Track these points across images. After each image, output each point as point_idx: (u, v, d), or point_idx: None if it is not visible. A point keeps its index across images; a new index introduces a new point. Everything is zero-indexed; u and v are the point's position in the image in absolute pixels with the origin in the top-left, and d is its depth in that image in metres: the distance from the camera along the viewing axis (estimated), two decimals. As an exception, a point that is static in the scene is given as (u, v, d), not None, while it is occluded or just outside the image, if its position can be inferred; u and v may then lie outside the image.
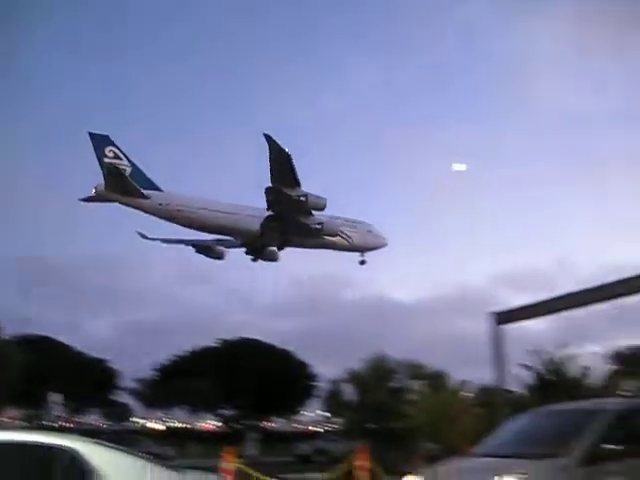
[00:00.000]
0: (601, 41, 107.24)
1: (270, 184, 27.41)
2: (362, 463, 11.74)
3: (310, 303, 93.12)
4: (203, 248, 34.76)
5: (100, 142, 29.01)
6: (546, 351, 35.10)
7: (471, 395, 36.97)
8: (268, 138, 25.05)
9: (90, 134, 29.13)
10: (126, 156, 29.23)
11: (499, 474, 8.27)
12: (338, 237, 35.25)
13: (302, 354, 65.65)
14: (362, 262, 38.71)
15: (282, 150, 25.07)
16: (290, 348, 65.85)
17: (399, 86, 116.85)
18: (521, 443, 9.87)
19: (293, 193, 27.59)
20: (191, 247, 34.64)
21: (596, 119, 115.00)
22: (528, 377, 34.94)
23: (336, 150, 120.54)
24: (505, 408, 19.26)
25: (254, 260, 37.82)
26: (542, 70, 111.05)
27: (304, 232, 32.14)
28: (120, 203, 28.88)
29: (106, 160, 28.27)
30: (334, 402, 51.37)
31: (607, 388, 33.63)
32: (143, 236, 34.37)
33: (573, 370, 33.98)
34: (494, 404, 20.89)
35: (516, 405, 25.11)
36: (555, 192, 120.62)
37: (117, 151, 29.03)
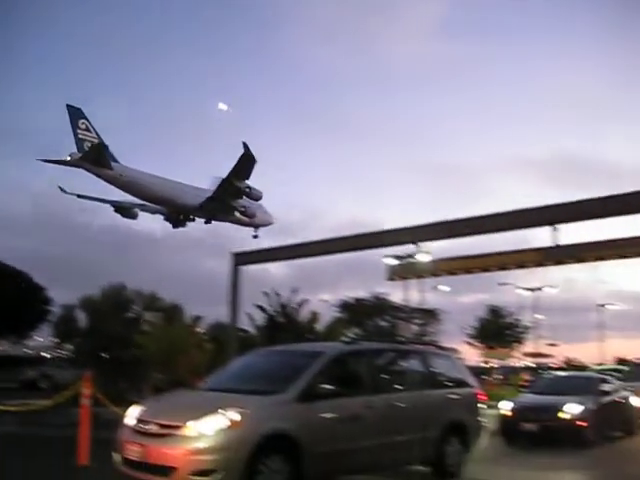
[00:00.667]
0: None
1: (226, 175, 31.79)
2: (86, 391, 11.43)
3: (51, 225, 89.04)
4: (120, 208, 37.16)
5: (74, 114, 31.38)
6: (280, 294, 36.61)
7: (204, 330, 37.61)
8: (245, 145, 28.14)
9: (67, 106, 31.34)
10: (95, 129, 31.80)
11: (221, 408, 8.42)
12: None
13: (38, 277, 62.26)
14: (255, 236, 44.85)
15: (252, 157, 28.20)
16: (25, 269, 62.05)
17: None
18: (246, 380, 10.16)
19: (241, 185, 31.29)
20: (108, 205, 37.07)
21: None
22: (261, 318, 36.27)
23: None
24: (236, 346, 19.78)
25: (174, 227, 42.30)
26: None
27: (231, 212, 36.95)
28: (85, 170, 30.94)
29: (79, 132, 30.92)
30: (66, 328, 49.58)
31: (332, 333, 35.95)
32: (62, 190, 34.60)
33: (303, 315, 35.78)
34: (225, 341, 21.34)
35: (246, 344, 25.96)
36: (299, 142, 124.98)
37: (88, 124, 31.63)
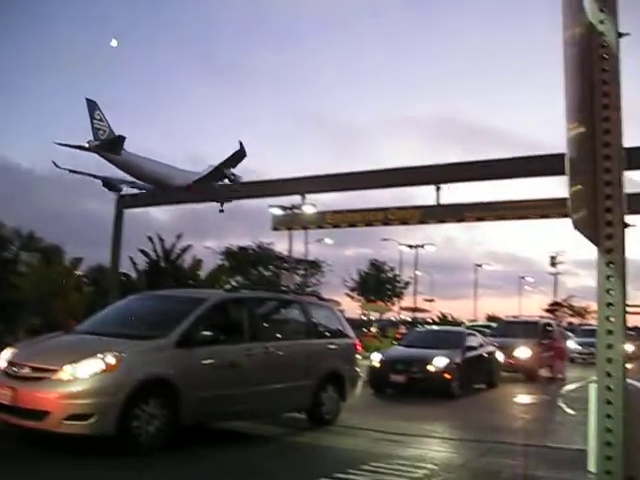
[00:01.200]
0: None
1: (218, 164, 32.47)
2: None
3: None
4: (108, 184, 37.54)
5: (91, 106, 33.19)
6: (164, 240, 36.10)
7: (84, 273, 36.61)
8: (240, 144, 29.43)
9: (86, 99, 32.66)
10: (106, 120, 33.74)
11: (98, 351, 8.26)
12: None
13: None
14: (221, 211, 45.99)
15: (244, 153, 29.49)
16: None
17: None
18: (125, 324, 9.99)
19: (227, 173, 32.22)
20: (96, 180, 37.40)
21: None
22: (143, 262, 35.67)
23: None
24: (116, 289, 19.39)
25: None
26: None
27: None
28: (100, 155, 32.80)
29: (94, 122, 32.86)
30: None
31: (214, 281, 35.87)
32: (56, 165, 35.90)
33: (186, 261, 35.47)
34: (106, 284, 20.85)
35: (127, 288, 25.51)
36: (189, 89, 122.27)
37: (101, 115, 33.76)
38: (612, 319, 1.63)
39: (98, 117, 36.41)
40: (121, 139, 32.53)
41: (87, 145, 33.89)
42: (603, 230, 1.66)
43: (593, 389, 1.69)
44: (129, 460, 7.89)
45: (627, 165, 1.81)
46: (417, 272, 65.85)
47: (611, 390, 1.62)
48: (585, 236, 1.72)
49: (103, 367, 8.09)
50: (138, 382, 8.25)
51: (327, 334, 12.07)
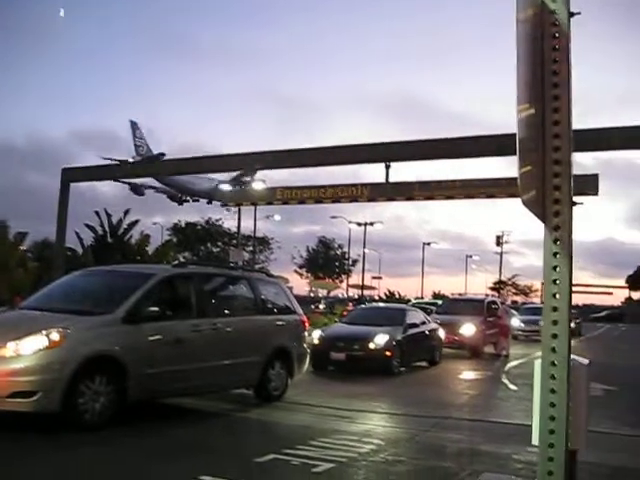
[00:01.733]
0: None
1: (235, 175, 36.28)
2: None
3: None
4: (134, 188, 44.85)
5: (133, 127, 42.59)
6: (111, 215, 35.57)
7: (29, 248, 35.86)
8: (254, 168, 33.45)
9: (130, 121, 42.19)
10: (144, 138, 43.28)
11: (43, 328, 8.12)
12: None
13: None
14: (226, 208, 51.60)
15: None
16: None
17: None
18: (70, 300, 9.84)
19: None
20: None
21: None
22: (90, 237, 35.10)
23: None
24: (62, 265, 19.02)
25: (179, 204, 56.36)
26: None
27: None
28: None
29: (136, 139, 41.31)
30: None
31: (161, 256, 35.52)
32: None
33: (134, 236, 35.02)
34: (51, 260, 20.44)
35: (73, 263, 25.08)
36: (144, 63, 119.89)
37: (141, 133, 42.41)
38: (558, 296, 1.65)
39: (139, 136, 45.98)
40: (160, 156, 35.23)
41: (131, 160, 39.71)
42: (551, 207, 1.68)
43: (538, 364, 1.72)
44: (76, 437, 7.80)
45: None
46: (365, 250, 66.30)
47: (555, 365, 1.64)
48: (535, 215, 1.73)
49: (47, 344, 7.96)
50: (83, 359, 8.14)
51: (275, 310, 12.08)
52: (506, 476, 1.51)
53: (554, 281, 1.66)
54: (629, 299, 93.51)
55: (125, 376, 8.57)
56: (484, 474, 1.46)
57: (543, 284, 1.71)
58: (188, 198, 55.02)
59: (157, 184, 48.69)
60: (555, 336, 1.65)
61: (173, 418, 9.60)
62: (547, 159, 1.68)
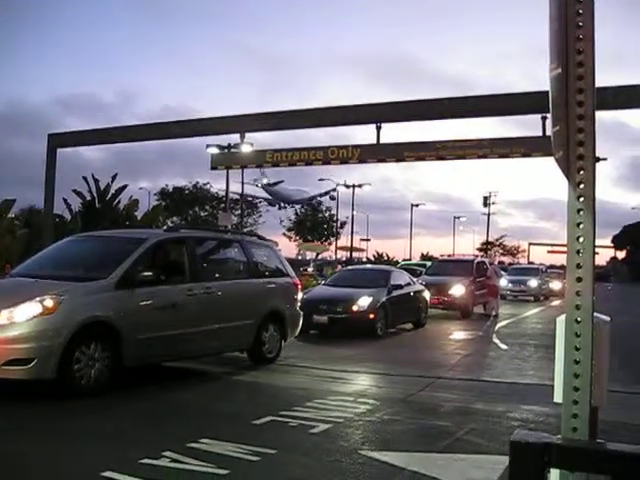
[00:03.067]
0: None
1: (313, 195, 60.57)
2: None
3: None
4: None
5: None
6: (98, 180, 35.29)
7: (16, 215, 35.64)
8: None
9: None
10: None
11: (36, 295, 8.08)
12: None
13: None
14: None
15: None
16: None
17: None
18: (63, 266, 9.80)
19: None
20: None
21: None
22: (78, 203, 34.88)
23: None
24: (51, 232, 18.90)
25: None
26: None
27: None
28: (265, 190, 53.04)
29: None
30: None
31: (151, 221, 35.37)
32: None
33: (123, 201, 34.82)
34: (40, 227, 20.30)
35: (62, 230, 24.94)
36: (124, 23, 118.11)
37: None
38: (581, 253, 1.63)
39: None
40: (280, 182, 49.05)
41: (259, 185, 57.27)
42: (574, 163, 1.65)
43: (561, 322, 1.70)
44: (73, 403, 7.82)
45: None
46: (354, 212, 66.27)
47: (579, 323, 1.63)
48: (563, 173, 1.70)
49: (41, 310, 7.93)
50: (78, 325, 8.12)
51: (267, 273, 12.08)
52: (539, 433, 1.53)
53: (577, 238, 1.64)
54: (614, 259, 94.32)
55: (120, 341, 8.57)
56: (517, 432, 1.48)
57: (566, 244, 1.69)
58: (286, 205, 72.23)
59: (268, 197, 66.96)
60: (579, 293, 1.63)
61: (169, 383, 9.62)
62: (571, 114, 1.65)
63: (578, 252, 1.66)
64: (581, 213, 1.66)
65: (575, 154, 1.66)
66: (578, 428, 1.63)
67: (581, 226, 1.66)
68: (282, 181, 65.70)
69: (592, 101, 1.66)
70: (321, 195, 76.72)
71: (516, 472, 1.33)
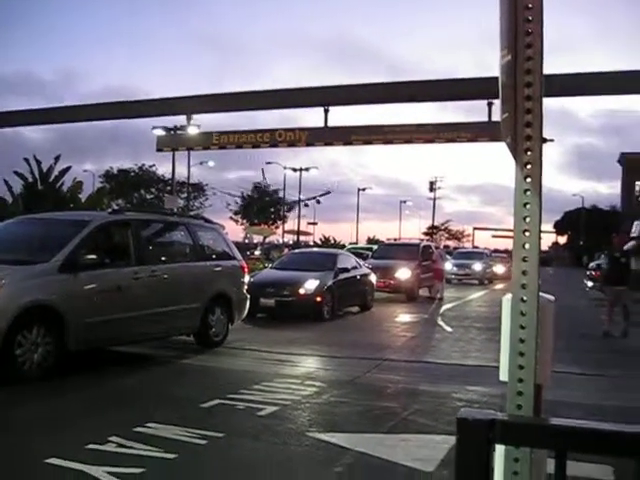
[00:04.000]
0: None
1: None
2: None
3: None
4: None
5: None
6: (41, 162, 34.50)
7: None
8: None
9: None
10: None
11: None
12: None
13: None
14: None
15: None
16: None
17: None
18: (4, 249, 9.52)
19: None
20: None
21: None
22: (19, 185, 34.05)
23: None
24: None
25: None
26: None
27: None
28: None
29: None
30: None
31: (95, 203, 34.76)
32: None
33: (66, 183, 34.10)
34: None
35: (4, 212, 24.32)
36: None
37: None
38: (528, 233, 1.66)
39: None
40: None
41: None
42: (522, 144, 1.67)
43: (507, 301, 1.73)
44: (14, 389, 7.66)
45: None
46: (301, 196, 66.24)
47: (525, 302, 1.66)
48: (511, 155, 1.72)
49: (-19, 294, 7.73)
50: (20, 309, 7.95)
51: (214, 256, 12.00)
52: (485, 411, 1.54)
53: (524, 218, 1.66)
54: (556, 244, 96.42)
55: (63, 326, 8.41)
56: (463, 409, 1.49)
57: (512, 230, 1.71)
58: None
59: None
60: (525, 273, 1.66)
61: (115, 367, 9.51)
62: (519, 95, 1.67)
63: (524, 232, 1.69)
64: (528, 194, 1.68)
65: (522, 135, 1.68)
66: (523, 405, 1.66)
67: (528, 206, 1.68)
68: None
69: (540, 83, 1.68)
70: (313, 199, 78.49)
71: (463, 449, 1.35)
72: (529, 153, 1.68)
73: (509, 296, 1.72)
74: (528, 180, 1.68)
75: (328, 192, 70.71)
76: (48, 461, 5.14)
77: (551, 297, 1.85)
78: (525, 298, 1.67)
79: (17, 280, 8.21)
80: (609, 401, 7.93)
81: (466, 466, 1.32)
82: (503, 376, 1.72)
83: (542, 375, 1.72)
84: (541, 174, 1.69)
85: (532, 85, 1.67)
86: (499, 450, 1.59)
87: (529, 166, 1.69)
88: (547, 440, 1.36)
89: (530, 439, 1.41)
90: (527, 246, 1.69)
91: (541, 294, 1.72)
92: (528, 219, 1.68)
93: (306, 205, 70.91)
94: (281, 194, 70.91)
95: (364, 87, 13.99)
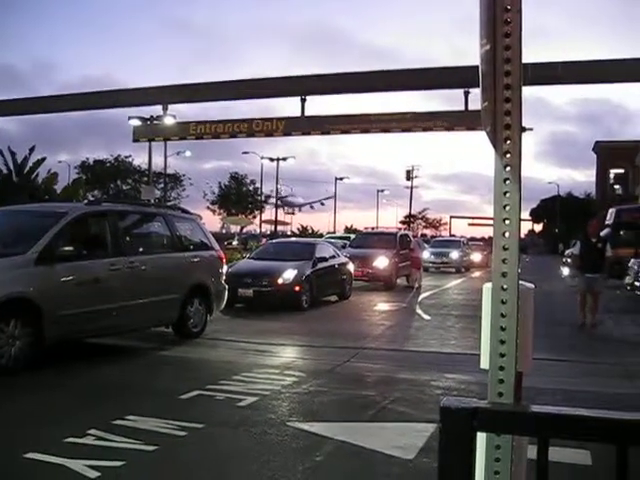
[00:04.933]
0: None
1: None
2: None
3: None
4: None
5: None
6: (15, 153, 34.10)
7: None
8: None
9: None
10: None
11: None
12: None
13: None
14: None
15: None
16: None
17: None
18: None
19: None
20: None
21: None
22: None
23: None
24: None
25: None
26: None
27: None
28: None
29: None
30: None
31: (71, 195, 34.47)
32: None
33: (41, 174, 33.77)
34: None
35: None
36: None
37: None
38: (508, 221, 1.66)
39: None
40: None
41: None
42: (501, 133, 1.68)
43: (487, 289, 1.73)
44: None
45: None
46: (278, 185, 66.14)
47: (505, 290, 1.67)
48: (491, 144, 1.73)
49: (-45, 287, 7.64)
50: (-4, 302, 7.85)
51: (192, 247, 11.95)
52: (467, 399, 1.55)
53: (504, 207, 1.67)
54: (532, 232, 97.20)
55: (41, 318, 8.34)
56: (446, 398, 1.50)
57: (493, 220, 1.72)
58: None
59: None
60: (505, 261, 1.67)
61: (93, 359, 9.45)
62: (498, 84, 1.67)
63: (504, 220, 1.69)
64: (507, 182, 1.69)
65: (502, 124, 1.69)
66: (504, 393, 1.67)
67: (507, 195, 1.69)
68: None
69: (519, 71, 1.68)
70: (318, 201, 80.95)
71: (446, 437, 1.35)
72: (508, 142, 1.69)
73: (489, 284, 1.73)
74: (508, 169, 1.69)
75: (330, 197, 75.40)
76: (27, 456, 5.09)
77: (531, 285, 1.87)
78: (505, 286, 1.68)
79: (-8, 273, 8.11)
80: (585, 387, 8.02)
81: (450, 454, 1.33)
82: (484, 364, 1.73)
83: (523, 363, 1.73)
84: (520, 163, 1.69)
85: (511, 74, 1.67)
86: (480, 437, 1.59)
87: (508, 155, 1.69)
88: (530, 427, 1.37)
89: (513, 427, 1.42)
90: (507, 234, 1.69)
91: (521, 282, 1.73)
92: (508, 207, 1.69)
93: (312, 207, 77.15)
94: (258, 184, 70.71)
95: (341, 76, 13.98)
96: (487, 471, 1.67)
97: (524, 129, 1.71)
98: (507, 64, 1.67)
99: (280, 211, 70.25)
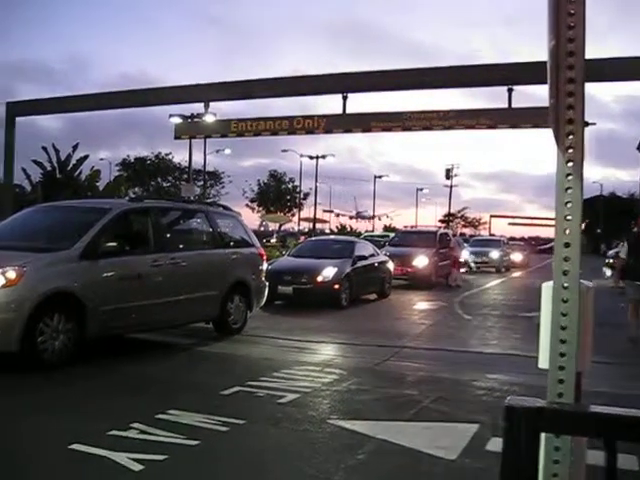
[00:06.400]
0: None
1: None
2: None
3: None
4: None
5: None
6: (59, 150, 34.64)
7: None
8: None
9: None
10: None
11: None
12: None
13: None
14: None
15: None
16: None
17: None
18: (25, 237, 9.59)
19: None
20: None
21: None
22: (38, 173, 34.24)
23: None
24: (11, 203, 18.48)
25: None
26: None
27: None
28: None
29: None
30: None
31: (113, 191, 34.91)
32: None
33: (84, 171, 34.26)
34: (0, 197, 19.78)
35: (21, 200, 24.45)
36: None
37: None
38: (569, 217, 1.62)
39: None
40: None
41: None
42: (564, 128, 1.63)
43: (548, 288, 1.70)
44: (36, 377, 7.71)
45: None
46: (317, 183, 66.21)
47: (567, 289, 1.63)
48: (555, 141, 1.69)
49: (3, 282, 7.77)
50: (41, 296, 7.98)
51: (232, 244, 12.00)
52: (531, 399, 1.53)
53: (566, 203, 1.63)
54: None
55: (84, 313, 8.45)
56: (510, 397, 1.48)
57: (554, 219, 1.68)
58: None
59: None
60: (567, 259, 1.63)
61: (133, 354, 9.55)
62: (561, 78, 1.63)
63: (566, 217, 1.65)
64: (569, 178, 1.65)
65: (564, 118, 1.65)
66: (564, 393, 1.63)
67: (569, 191, 1.65)
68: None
69: (582, 64, 1.64)
70: (384, 215, 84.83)
71: (510, 437, 1.32)
72: (571, 137, 1.65)
73: (550, 283, 1.69)
74: (570, 164, 1.65)
75: (398, 213, 75.80)
76: (71, 447, 5.16)
77: (590, 283, 1.82)
78: (567, 285, 1.64)
79: (39, 267, 8.24)
80: (630, 390, 7.86)
81: (514, 455, 1.30)
82: (543, 363, 1.69)
83: (582, 362, 1.69)
84: (583, 158, 1.65)
85: (574, 67, 1.63)
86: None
87: (571, 150, 1.65)
88: (597, 428, 1.33)
89: (579, 427, 1.38)
90: (568, 232, 1.65)
91: (581, 280, 1.68)
92: (570, 204, 1.65)
93: (379, 219, 79.93)
94: (297, 182, 70.87)
95: (383, 74, 13.89)
96: (545, 473, 1.63)
97: (587, 124, 1.67)
98: (570, 57, 1.63)
99: (319, 209, 70.28)
